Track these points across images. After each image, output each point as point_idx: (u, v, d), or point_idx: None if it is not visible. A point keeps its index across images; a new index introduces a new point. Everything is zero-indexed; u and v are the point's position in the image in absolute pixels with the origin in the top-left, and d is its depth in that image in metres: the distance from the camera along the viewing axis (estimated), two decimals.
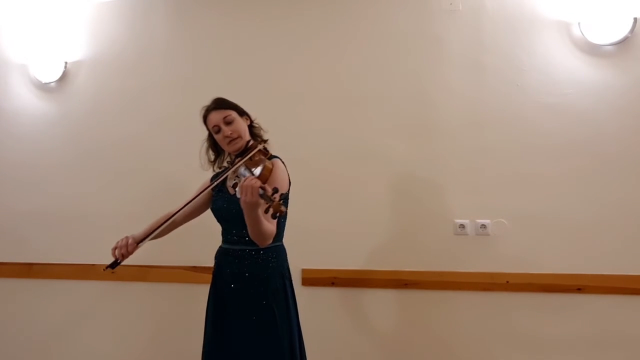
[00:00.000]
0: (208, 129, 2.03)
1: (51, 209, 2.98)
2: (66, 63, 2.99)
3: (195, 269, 2.74)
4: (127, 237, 1.98)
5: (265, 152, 1.91)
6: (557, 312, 2.42)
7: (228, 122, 1.95)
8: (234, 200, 1.84)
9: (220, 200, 2.00)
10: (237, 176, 1.87)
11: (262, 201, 1.65)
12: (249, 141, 2.01)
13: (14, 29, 3.09)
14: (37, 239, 3.00)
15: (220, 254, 2.04)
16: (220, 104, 1.99)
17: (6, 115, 3.08)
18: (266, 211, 1.61)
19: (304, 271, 2.64)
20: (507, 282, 2.46)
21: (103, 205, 2.92)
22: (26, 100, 3.06)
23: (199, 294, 2.72)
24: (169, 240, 2.79)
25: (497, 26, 2.51)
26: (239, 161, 1.89)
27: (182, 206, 1.99)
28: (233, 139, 1.94)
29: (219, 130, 1.96)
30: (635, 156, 2.36)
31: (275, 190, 1.63)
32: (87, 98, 2.97)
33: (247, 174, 1.79)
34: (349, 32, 2.68)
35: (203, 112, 2.02)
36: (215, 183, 1.96)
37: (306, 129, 2.69)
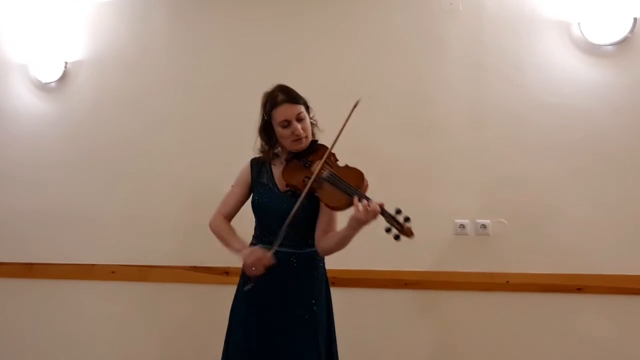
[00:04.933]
0: (271, 118, 1.85)
1: (51, 209, 2.98)
2: (66, 63, 2.99)
3: (195, 269, 2.74)
4: (261, 249, 1.75)
5: (336, 158, 1.86)
6: (557, 312, 2.42)
7: (300, 119, 1.82)
8: (292, 201, 1.75)
9: (275, 198, 1.86)
10: (324, 179, 1.74)
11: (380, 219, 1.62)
12: (314, 141, 1.90)
13: (14, 29, 3.09)
14: (37, 239, 3.00)
15: None
16: (293, 96, 1.84)
17: (6, 115, 3.08)
18: (388, 231, 1.62)
19: None
20: (507, 282, 2.46)
21: (103, 205, 2.92)
22: (26, 100, 3.06)
23: (200, 294, 2.74)
24: (170, 240, 2.81)
25: (497, 26, 2.51)
26: (316, 161, 1.78)
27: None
28: (301, 138, 1.82)
29: (287, 125, 1.81)
30: (635, 156, 2.36)
31: (399, 212, 1.61)
32: (87, 98, 2.97)
33: (346, 186, 1.69)
34: (349, 32, 2.68)
35: (270, 100, 1.85)
36: (308, 186, 1.73)
37: None
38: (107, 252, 2.91)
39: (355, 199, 1.65)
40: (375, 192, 2.59)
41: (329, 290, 1.98)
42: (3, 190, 3.06)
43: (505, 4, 2.51)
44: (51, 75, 2.98)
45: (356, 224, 1.67)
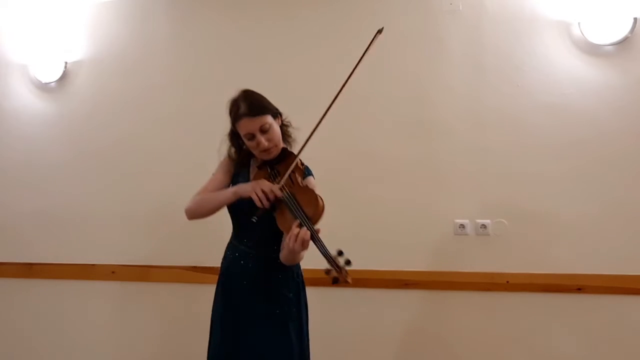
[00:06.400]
0: (236, 130, 1.84)
1: (51, 209, 2.98)
2: (66, 63, 2.99)
3: (195, 269, 2.74)
4: (266, 181, 1.70)
5: (303, 172, 1.83)
6: (557, 312, 2.43)
7: (264, 131, 1.76)
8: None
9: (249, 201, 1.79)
10: (282, 201, 1.70)
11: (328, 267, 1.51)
12: (284, 148, 1.86)
13: (14, 29, 3.09)
14: (37, 239, 3.00)
15: (236, 256, 1.91)
16: (255, 109, 1.76)
17: (6, 115, 3.08)
18: (327, 272, 1.50)
19: (303, 271, 2.64)
20: (507, 282, 2.46)
21: (103, 205, 2.92)
22: (26, 100, 3.06)
23: (200, 294, 2.73)
24: (170, 240, 2.82)
25: (497, 26, 2.51)
26: (283, 173, 1.73)
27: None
28: (268, 149, 1.78)
29: (252, 138, 1.77)
30: (635, 156, 2.36)
31: (340, 253, 1.48)
32: (87, 98, 2.97)
33: (297, 210, 1.62)
34: (349, 32, 2.68)
35: (233, 111, 1.81)
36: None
37: (306, 129, 2.68)
38: (107, 252, 2.91)
39: (295, 223, 1.60)
40: (375, 192, 2.61)
41: (304, 289, 1.98)
42: (3, 190, 3.07)
43: (505, 5, 2.51)
44: (51, 75, 2.98)
45: (285, 248, 1.62)
